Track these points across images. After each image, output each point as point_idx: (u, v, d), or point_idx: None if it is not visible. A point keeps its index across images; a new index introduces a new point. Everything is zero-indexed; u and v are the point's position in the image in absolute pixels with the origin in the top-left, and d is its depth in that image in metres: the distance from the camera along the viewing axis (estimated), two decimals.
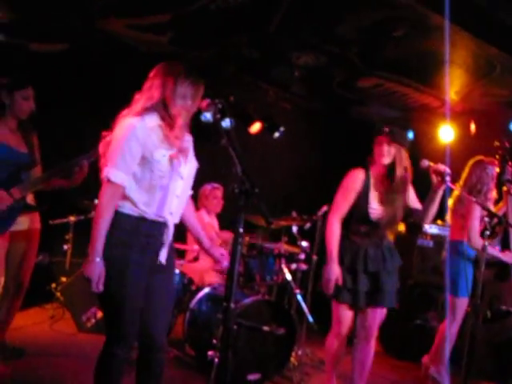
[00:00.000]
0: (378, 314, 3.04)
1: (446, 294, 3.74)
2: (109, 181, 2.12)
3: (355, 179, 2.97)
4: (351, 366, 3.23)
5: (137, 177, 2.16)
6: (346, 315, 3.05)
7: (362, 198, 2.94)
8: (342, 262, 2.99)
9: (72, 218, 4.78)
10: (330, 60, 4.48)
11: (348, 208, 2.97)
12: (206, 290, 3.92)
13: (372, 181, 2.97)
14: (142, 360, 2.35)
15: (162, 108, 2.15)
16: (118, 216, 2.14)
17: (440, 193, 2.79)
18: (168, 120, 2.15)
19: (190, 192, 2.43)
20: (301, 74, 4.60)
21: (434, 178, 2.74)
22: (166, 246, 2.25)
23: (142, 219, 2.18)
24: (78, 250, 5.00)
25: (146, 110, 2.14)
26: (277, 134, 5.09)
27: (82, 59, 4.77)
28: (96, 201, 4.23)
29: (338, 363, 3.21)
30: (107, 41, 4.47)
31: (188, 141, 2.30)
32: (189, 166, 2.29)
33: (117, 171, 2.11)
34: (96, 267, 2.08)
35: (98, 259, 2.08)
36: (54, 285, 4.93)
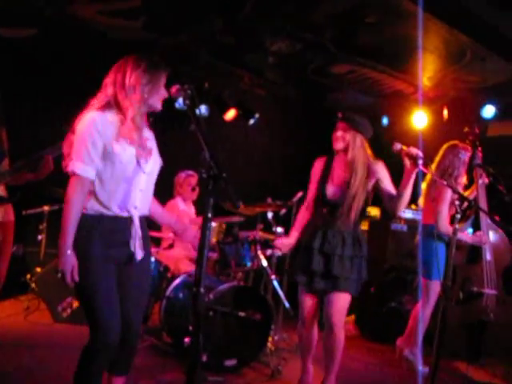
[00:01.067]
0: (335, 300, 2.94)
1: (419, 278, 3.81)
2: (74, 174, 2.14)
3: (315, 168, 3.12)
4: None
5: (100, 171, 2.19)
6: (303, 299, 3.06)
7: (320, 182, 3.03)
8: (300, 243, 3.02)
9: (46, 208, 4.74)
10: (305, 46, 4.49)
11: (312, 195, 3.09)
12: (182, 277, 3.93)
13: (334, 165, 3.04)
14: (118, 344, 2.32)
15: (114, 103, 2.19)
16: (82, 214, 2.18)
17: (412, 177, 2.79)
18: (120, 115, 2.20)
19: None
20: (275, 60, 4.57)
21: (407, 162, 2.75)
22: (135, 238, 2.27)
23: (102, 216, 2.21)
24: (53, 240, 4.70)
25: (106, 106, 2.20)
26: (252, 121, 5.00)
27: (51, 46, 4.73)
28: None
29: (310, 348, 3.20)
30: (78, 27, 4.42)
31: (149, 136, 2.33)
32: (152, 162, 2.31)
33: (82, 165, 2.14)
34: (68, 260, 2.12)
35: (68, 252, 2.12)
36: (28, 276, 4.88)
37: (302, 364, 3.26)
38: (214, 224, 4.65)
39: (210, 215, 1.83)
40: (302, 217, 3.17)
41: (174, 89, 2.12)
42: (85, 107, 2.22)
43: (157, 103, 2.25)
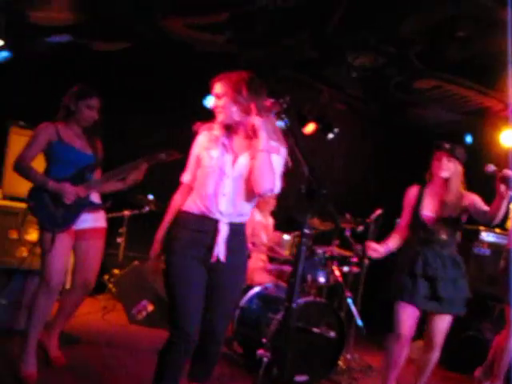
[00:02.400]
0: (441, 322, 3.07)
1: (503, 305, 3.66)
2: (181, 182, 2.43)
3: (408, 194, 3.26)
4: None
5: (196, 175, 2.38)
6: (405, 315, 3.07)
7: (416, 208, 3.16)
8: (403, 268, 3.13)
9: (126, 213, 4.91)
10: (388, 60, 4.43)
11: (406, 220, 3.25)
12: (257, 289, 3.95)
13: (427, 192, 3.19)
14: (198, 350, 2.38)
15: None
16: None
17: (506, 199, 2.77)
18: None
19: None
20: (357, 74, 4.51)
21: (501, 185, 2.73)
22: (219, 242, 2.29)
23: (190, 214, 2.30)
24: (131, 243, 5.17)
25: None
26: (331, 136, 5.09)
27: (142, 58, 4.92)
28: (150, 196, 4.71)
29: (397, 367, 3.18)
30: (166, 40, 4.56)
31: (241, 142, 2.33)
32: (239, 167, 2.32)
33: (187, 173, 2.44)
34: (157, 247, 2.39)
35: (158, 240, 2.38)
36: (106, 276, 5.06)
37: (385, 381, 3.22)
38: (287, 237, 4.62)
39: (307, 231, 1.85)
40: (394, 238, 3.29)
41: (268, 102, 2.15)
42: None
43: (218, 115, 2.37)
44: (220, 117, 2.33)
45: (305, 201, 1.82)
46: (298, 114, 4.52)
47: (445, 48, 3.98)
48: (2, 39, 4.18)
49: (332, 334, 3.61)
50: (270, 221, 4.76)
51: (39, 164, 3.12)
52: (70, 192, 3.02)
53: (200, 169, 2.36)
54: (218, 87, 2.32)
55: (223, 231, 2.29)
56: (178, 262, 2.27)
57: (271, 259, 4.59)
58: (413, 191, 3.25)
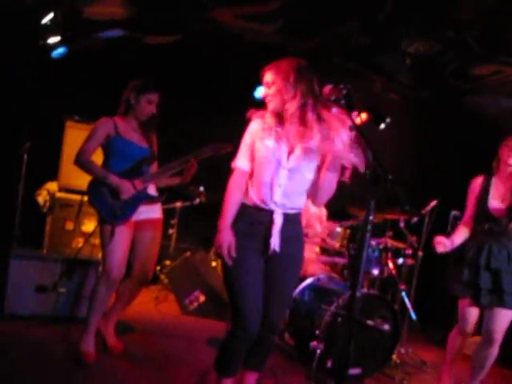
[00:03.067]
0: (502, 317, 2.99)
1: None
2: (235, 168, 2.38)
3: (473, 185, 3.21)
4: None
5: (249, 161, 2.37)
6: (468, 312, 3.06)
7: (482, 199, 3.10)
8: (463, 258, 3.06)
9: (178, 204, 4.95)
10: (444, 46, 4.28)
11: (471, 212, 3.19)
12: (309, 280, 3.92)
13: (494, 181, 3.12)
14: (255, 339, 2.40)
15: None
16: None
17: None
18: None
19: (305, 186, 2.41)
20: (411, 61, 4.38)
21: None
22: (276, 234, 2.30)
23: (245, 206, 2.33)
24: (183, 235, 5.24)
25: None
26: (382, 126, 4.94)
27: (191, 51, 4.95)
28: (201, 188, 4.76)
29: (454, 361, 3.22)
30: (216, 31, 4.57)
31: (294, 130, 2.29)
32: (294, 159, 2.30)
33: (239, 158, 2.39)
34: (225, 235, 2.28)
35: (227, 229, 2.29)
36: (158, 267, 5.11)
37: (442, 374, 3.25)
38: (338, 229, 4.55)
39: (371, 217, 1.83)
40: (460, 231, 3.22)
41: (326, 89, 2.15)
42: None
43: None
44: (270, 105, 2.34)
45: (369, 187, 1.81)
46: (350, 103, 4.40)
47: (506, 30, 3.81)
48: (59, 35, 4.29)
49: (386, 327, 3.55)
50: (324, 211, 4.71)
51: (96, 157, 3.20)
52: (129, 190, 3.08)
53: (255, 158, 2.36)
54: (268, 76, 2.33)
55: (278, 222, 2.30)
56: (236, 254, 2.29)
57: (323, 250, 4.56)
58: (478, 181, 3.18)
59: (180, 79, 4.91)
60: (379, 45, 4.53)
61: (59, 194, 4.20)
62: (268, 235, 2.30)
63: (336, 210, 4.78)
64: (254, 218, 2.31)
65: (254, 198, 2.32)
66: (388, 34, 4.35)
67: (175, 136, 4.65)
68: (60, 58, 4.45)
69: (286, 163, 2.30)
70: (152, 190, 3.28)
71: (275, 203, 2.30)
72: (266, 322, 2.37)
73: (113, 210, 3.07)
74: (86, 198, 3.87)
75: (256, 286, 2.31)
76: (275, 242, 2.30)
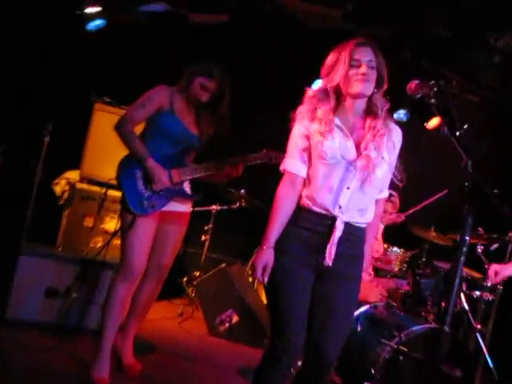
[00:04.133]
0: None
1: None
2: (285, 171, 2.30)
3: None
4: None
5: (305, 164, 2.29)
6: None
7: None
8: None
9: (214, 207, 4.79)
10: None
11: None
12: (364, 307, 3.66)
13: None
14: (303, 377, 2.29)
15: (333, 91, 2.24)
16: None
17: None
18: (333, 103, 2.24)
19: (384, 193, 2.40)
20: (500, 59, 4.06)
21: None
22: (334, 244, 2.21)
23: (303, 210, 2.25)
24: (217, 243, 5.07)
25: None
26: (458, 133, 4.66)
27: (242, 35, 4.83)
28: (242, 191, 4.72)
29: None
30: (274, 13, 4.44)
31: (377, 128, 2.24)
32: (365, 157, 2.22)
33: (291, 160, 2.29)
34: (263, 254, 2.20)
35: (266, 247, 2.21)
36: (185, 279, 4.94)
37: None
38: (396, 249, 4.36)
39: (467, 238, 1.74)
40: None
41: (412, 84, 2.09)
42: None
43: (348, 88, 2.22)
44: (366, 89, 2.21)
45: (467, 201, 1.76)
46: (420, 104, 4.12)
47: None
48: (99, 5, 4.27)
49: (457, 372, 3.20)
50: (381, 226, 4.48)
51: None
52: (164, 181, 3.00)
53: (315, 159, 2.26)
54: (370, 52, 2.22)
55: (338, 230, 2.21)
56: (285, 263, 2.22)
57: (377, 272, 4.37)
58: None
59: (226, 67, 4.80)
60: (461, 38, 4.31)
61: (80, 185, 4.10)
62: (325, 246, 2.21)
63: (393, 227, 4.61)
64: (313, 225, 2.23)
65: (312, 202, 2.24)
66: (472, 26, 4.15)
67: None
68: (96, 31, 4.42)
69: (355, 162, 2.22)
70: (186, 186, 3.20)
71: (340, 207, 2.21)
72: (318, 353, 2.22)
73: (140, 198, 2.99)
74: (109, 192, 3.89)
75: (303, 301, 2.22)
76: (332, 254, 2.21)
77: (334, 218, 2.20)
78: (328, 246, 2.19)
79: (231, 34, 4.75)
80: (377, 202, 2.36)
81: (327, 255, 2.20)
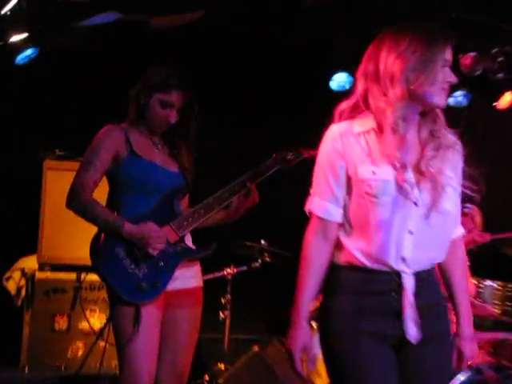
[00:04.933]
0: None
1: None
2: (312, 215, 2.28)
3: None
4: None
5: (347, 206, 2.27)
6: None
7: None
8: None
9: (229, 271, 4.58)
10: None
11: None
12: (464, 375, 3.45)
13: None
14: None
15: (364, 104, 2.25)
16: (334, 268, 2.29)
17: None
18: (374, 121, 2.23)
19: (460, 229, 2.39)
20: None
21: None
22: (408, 307, 2.17)
23: (350, 268, 2.24)
24: (240, 318, 4.88)
25: (353, 110, 2.28)
26: None
27: (225, 32, 4.87)
28: (263, 242, 4.50)
29: None
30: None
31: (438, 140, 2.24)
32: (431, 188, 2.22)
33: (321, 201, 2.27)
34: (300, 335, 2.19)
35: (303, 323, 2.20)
36: (206, 376, 4.66)
37: None
38: (492, 283, 4.22)
39: None
40: None
41: (467, 59, 2.24)
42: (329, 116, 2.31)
43: (433, 96, 2.19)
44: (443, 100, 2.22)
45: None
46: (485, 80, 4.06)
47: None
48: (25, 30, 4.25)
49: None
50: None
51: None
52: (158, 236, 2.94)
53: (357, 195, 2.23)
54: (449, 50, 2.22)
55: (409, 288, 2.17)
56: (346, 345, 2.19)
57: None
58: None
59: (210, 75, 4.94)
60: None
61: (41, 275, 4.08)
62: (395, 311, 2.17)
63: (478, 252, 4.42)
64: (369, 287, 2.20)
65: (365, 254, 2.20)
66: None
67: (210, 153, 4.45)
68: (28, 64, 4.39)
69: (418, 197, 2.18)
70: (189, 241, 3.17)
71: (403, 260, 2.16)
72: None
73: (135, 280, 2.92)
74: (83, 276, 3.81)
75: None
76: (409, 321, 2.15)
77: (398, 273, 2.18)
78: (403, 311, 2.15)
79: (207, 37, 4.84)
80: (454, 243, 2.33)
81: (406, 323, 2.15)
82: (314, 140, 2.40)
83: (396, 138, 2.19)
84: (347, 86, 4.51)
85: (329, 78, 4.39)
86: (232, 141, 5.10)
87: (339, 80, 4.33)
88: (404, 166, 2.19)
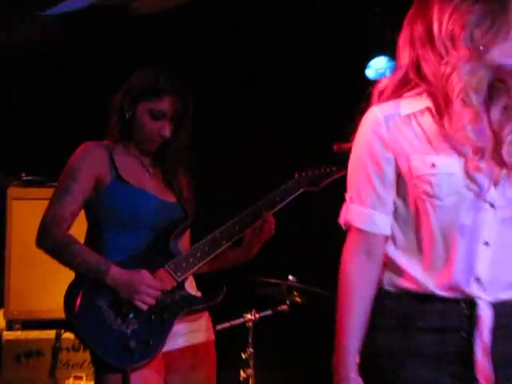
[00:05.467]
0: None
1: None
2: (351, 227, 2.18)
3: None
4: None
5: (395, 214, 2.19)
6: None
7: None
8: None
9: (250, 317, 4.39)
10: None
11: None
12: None
13: None
14: None
15: (417, 77, 2.13)
16: (378, 294, 2.20)
17: None
18: (429, 98, 2.11)
19: None
20: None
21: None
22: (481, 354, 2.04)
23: (407, 296, 2.14)
24: (267, 378, 4.80)
25: (400, 87, 2.16)
26: None
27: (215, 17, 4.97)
28: (291, 277, 4.41)
29: None
30: None
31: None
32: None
33: (363, 209, 2.17)
34: None
35: (351, 375, 2.09)
36: None
37: None
38: None
39: None
40: None
41: None
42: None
43: (508, 58, 2.05)
44: None
45: None
46: None
47: None
48: None
49: None
50: None
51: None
52: (150, 286, 2.90)
53: (413, 198, 2.13)
54: None
55: (485, 323, 2.04)
56: None
57: None
58: None
59: (211, 72, 5.01)
60: None
61: (10, 335, 4.05)
62: (460, 356, 2.05)
63: None
64: (422, 321, 2.09)
65: (418, 278, 2.10)
66: None
67: (214, 170, 4.52)
68: None
69: (495, 199, 2.07)
70: (190, 287, 3.11)
71: (477, 281, 2.05)
72: None
73: (120, 341, 2.86)
74: (65, 334, 3.89)
75: None
76: (485, 361, 2.01)
77: (471, 302, 2.03)
78: (474, 364, 2.01)
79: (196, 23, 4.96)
80: None
81: (479, 372, 2.01)
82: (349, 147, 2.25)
83: (467, 113, 2.02)
84: (388, 73, 4.38)
85: (364, 65, 4.30)
86: (241, 150, 5.03)
87: (377, 66, 4.23)
88: (480, 152, 2.04)
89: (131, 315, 2.89)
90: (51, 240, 2.92)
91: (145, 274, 2.90)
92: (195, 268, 3.04)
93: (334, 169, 3.11)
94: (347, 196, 2.17)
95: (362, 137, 2.16)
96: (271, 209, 3.09)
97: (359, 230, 2.14)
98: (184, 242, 3.19)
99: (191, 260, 3.02)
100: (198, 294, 3.14)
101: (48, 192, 3.61)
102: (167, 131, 3.02)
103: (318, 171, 3.13)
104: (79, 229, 3.04)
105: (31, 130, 4.85)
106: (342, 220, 2.18)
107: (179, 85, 3.07)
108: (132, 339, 2.84)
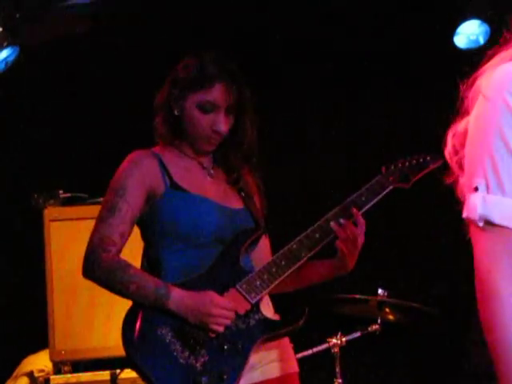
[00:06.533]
0: None
1: None
2: (486, 225, 1.87)
3: None
4: None
5: None
6: None
7: None
8: None
9: (336, 341, 4.27)
10: None
11: None
12: None
13: None
14: None
15: None
16: None
17: None
18: None
19: None
20: None
21: None
22: None
23: None
24: None
25: None
26: None
27: None
28: (381, 291, 4.44)
29: None
30: None
31: None
32: None
33: (502, 198, 1.88)
34: None
35: None
36: None
37: None
38: None
39: None
40: None
41: None
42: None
43: None
44: None
45: None
46: None
47: None
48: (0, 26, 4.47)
49: None
50: None
51: None
52: (223, 306, 2.79)
53: None
54: None
55: None
56: None
57: None
58: None
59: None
60: None
61: (58, 379, 4.00)
62: None
63: None
64: None
65: None
66: None
67: (286, 169, 4.49)
68: (9, 70, 4.45)
69: None
70: (267, 309, 3.00)
71: None
72: None
73: (191, 375, 2.79)
74: (122, 374, 3.88)
75: None
76: None
77: None
78: None
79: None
80: None
81: None
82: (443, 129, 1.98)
83: None
84: (482, 41, 4.17)
85: (452, 32, 4.04)
86: (317, 146, 4.79)
87: (468, 32, 3.95)
88: None
89: (200, 346, 2.82)
90: (100, 267, 2.87)
91: (213, 294, 2.82)
92: (271, 286, 2.92)
93: (428, 158, 2.99)
94: (472, 183, 1.85)
95: (494, 100, 1.84)
96: (362, 206, 2.97)
97: (503, 228, 1.85)
98: (260, 256, 3.09)
99: (266, 277, 2.92)
100: (277, 317, 3.01)
101: (90, 210, 3.79)
102: (222, 124, 2.95)
103: (410, 163, 3.00)
104: (134, 251, 3.04)
105: (66, 142, 4.89)
106: (472, 214, 1.84)
107: (229, 69, 2.97)
108: (203, 374, 2.76)
